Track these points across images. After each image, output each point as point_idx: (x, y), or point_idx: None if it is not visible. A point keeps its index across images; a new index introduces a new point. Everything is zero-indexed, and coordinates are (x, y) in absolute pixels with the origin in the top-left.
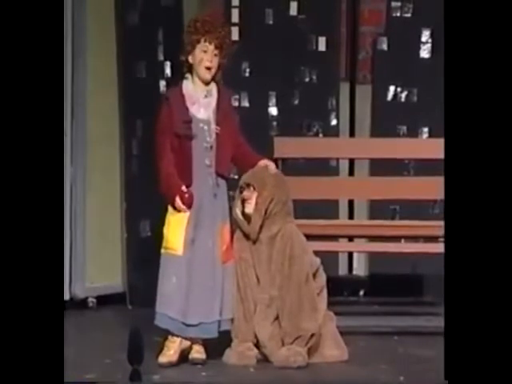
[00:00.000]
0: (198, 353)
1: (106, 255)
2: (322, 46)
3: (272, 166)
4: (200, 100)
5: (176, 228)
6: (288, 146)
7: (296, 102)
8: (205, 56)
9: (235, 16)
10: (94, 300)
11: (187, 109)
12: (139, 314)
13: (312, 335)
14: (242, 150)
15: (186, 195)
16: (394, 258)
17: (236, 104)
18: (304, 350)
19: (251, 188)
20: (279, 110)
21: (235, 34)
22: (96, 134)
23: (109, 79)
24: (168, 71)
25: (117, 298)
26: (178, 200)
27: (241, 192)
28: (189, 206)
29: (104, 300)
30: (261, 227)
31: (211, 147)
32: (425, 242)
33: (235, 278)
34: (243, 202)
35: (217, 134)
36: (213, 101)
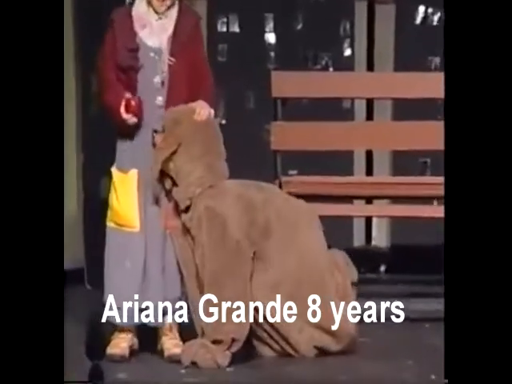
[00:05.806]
0: (176, 347)
1: None
2: None
3: (203, 111)
4: (152, 23)
5: (127, 196)
6: (289, 83)
7: (299, 26)
8: None
9: None
10: None
11: (135, 34)
12: (99, 297)
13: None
14: (198, 90)
15: (132, 102)
16: (421, 225)
17: (224, 29)
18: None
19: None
20: (278, 36)
21: None
22: None
23: None
24: None
25: (74, 275)
26: (122, 109)
27: (153, 137)
28: (136, 114)
29: None
30: (172, 187)
31: (163, 83)
32: None
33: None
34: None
35: (170, 66)
36: (169, 25)
